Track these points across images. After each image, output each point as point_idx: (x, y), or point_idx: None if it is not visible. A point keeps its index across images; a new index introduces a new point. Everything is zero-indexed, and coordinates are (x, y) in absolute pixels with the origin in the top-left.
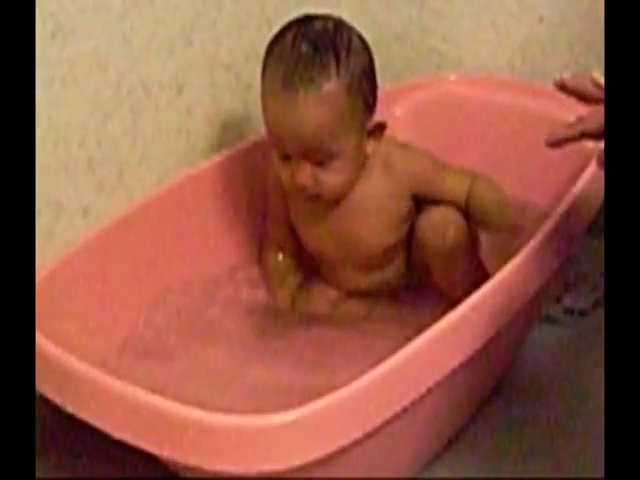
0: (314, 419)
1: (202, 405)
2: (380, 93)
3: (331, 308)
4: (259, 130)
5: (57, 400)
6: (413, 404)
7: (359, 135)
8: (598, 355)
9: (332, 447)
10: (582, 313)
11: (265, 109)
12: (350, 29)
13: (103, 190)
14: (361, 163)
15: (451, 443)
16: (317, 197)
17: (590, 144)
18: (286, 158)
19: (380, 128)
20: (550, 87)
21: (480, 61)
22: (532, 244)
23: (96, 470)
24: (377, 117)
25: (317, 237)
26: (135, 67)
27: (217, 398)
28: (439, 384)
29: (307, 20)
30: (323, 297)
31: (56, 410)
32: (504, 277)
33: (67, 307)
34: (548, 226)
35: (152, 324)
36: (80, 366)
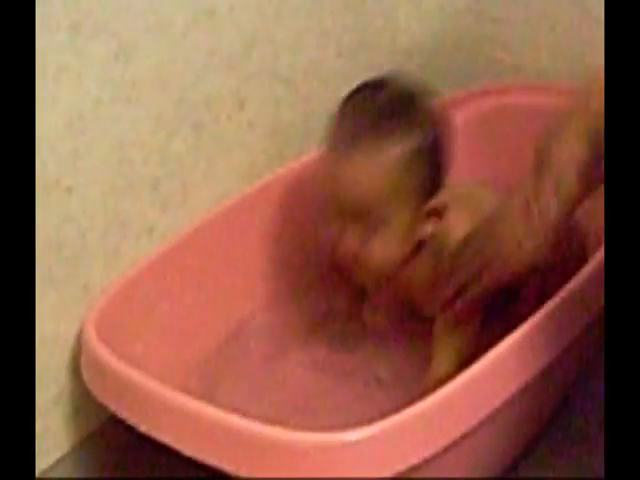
0: (392, 435)
1: (282, 424)
2: (440, 102)
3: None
4: (319, 144)
5: (131, 420)
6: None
7: (414, 210)
8: None
9: (408, 463)
10: None
11: (326, 167)
12: (427, 98)
13: (168, 208)
14: (413, 243)
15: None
16: (360, 272)
17: None
18: (337, 217)
19: (441, 206)
20: None
21: (539, 68)
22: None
23: None
24: None
25: None
26: (196, 84)
27: (297, 417)
28: (517, 394)
29: (382, 82)
30: None
31: (129, 430)
32: (570, 291)
33: (134, 326)
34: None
35: (221, 343)
36: (154, 386)
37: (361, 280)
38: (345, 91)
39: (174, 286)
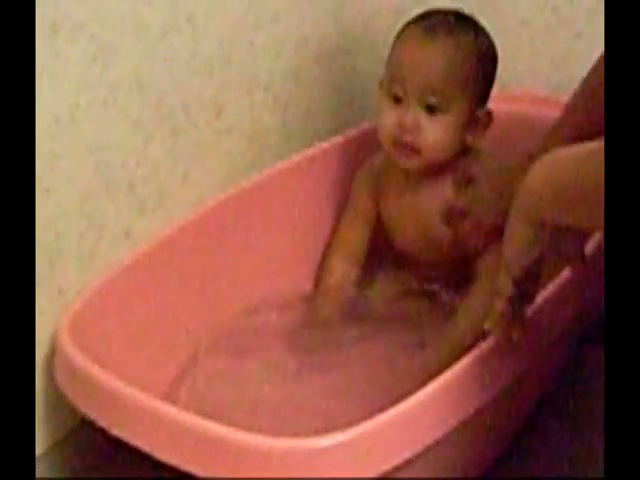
0: (361, 441)
1: (249, 428)
2: None
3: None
4: (297, 150)
5: (102, 423)
6: (462, 424)
7: (471, 107)
8: None
9: (378, 471)
10: None
11: (398, 53)
12: (488, 33)
13: (144, 211)
14: (461, 139)
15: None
16: (412, 152)
17: None
18: (397, 101)
19: (487, 119)
20: None
21: (518, 77)
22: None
23: None
24: None
25: (404, 230)
26: (175, 88)
27: (265, 421)
28: (491, 401)
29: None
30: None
31: (101, 433)
32: (547, 296)
33: (109, 329)
34: (595, 242)
35: (193, 346)
36: (128, 390)
37: (415, 162)
38: (324, 97)
39: (150, 290)
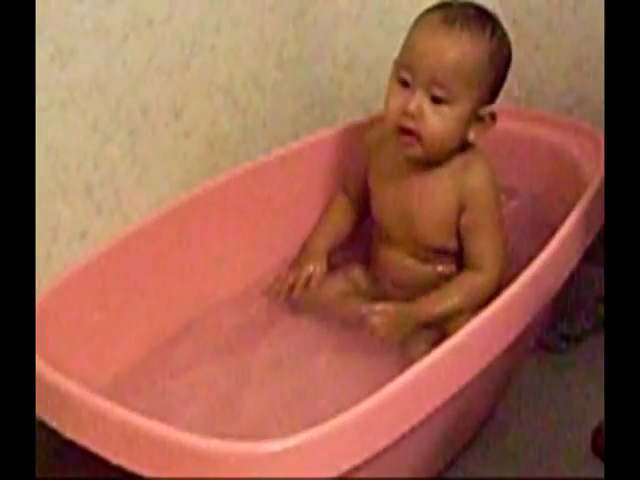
0: (312, 446)
1: (206, 431)
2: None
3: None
4: (255, 156)
5: (54, 425)
6: (409, 431)
7: (475, 105)
8: (593, 381)
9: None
10: (577, 339)
11: (413, 38)
12: (506, 31)
13: (101, 213)
14: (462, 136)
15: (447, 468)
16: (413, 138)
17: (587, 168)
18: (404, 85)
19: (490, 119)
20: (546, 113)
21: None
22: (528, 273)
23: None
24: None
25: (385, 204)
26: (133, 91)
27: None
28: (436, 410)
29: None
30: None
31: (53, 434)
32: (501, 305)
33: (64, 330)
34: (545, 254)
35: (149, 348)
36: (77, 391)
37: (416, 150)
38: (283, 103)
39: (105, 291)
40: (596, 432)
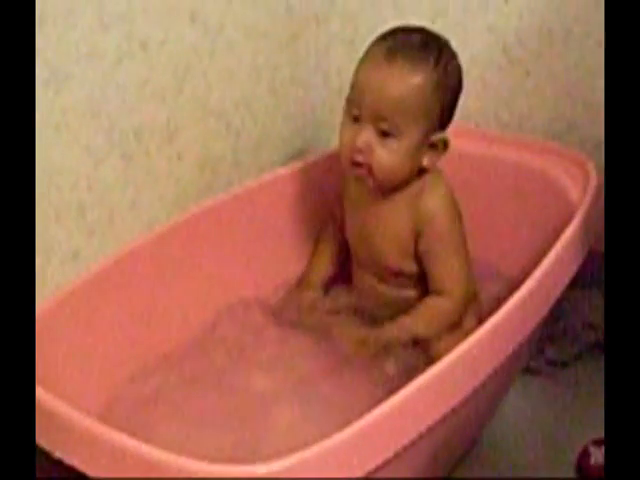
0: (299, 470)
1: (193, 453)
2: None
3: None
4: (247, 178)
5: (45, 446)
6: (394, 456)
7: (424, 134)
8: (579, 406)
9: None
10: (564, 364)
11: (358, 74)
12: (454, 53)
13: (94, 235)
14: (414, 165)
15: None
16: (365, 171)
17: (575, 195)
18: (355, 120)
19: (443, 145)
20: (535, 140)
21: (467, 114)
22: (515, 298)
23: None
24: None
25: (352, 230)
26: (127, 114)
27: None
28: (422, 435)
29: (414, 28)
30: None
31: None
32: (488, 330)
33: (55, 351)
34: (533, 280)
35: (143, 370)
36: (68, 412)
37: (369, 181)
38: (276, 127)
39: (97, 313)
40: (581, 455)
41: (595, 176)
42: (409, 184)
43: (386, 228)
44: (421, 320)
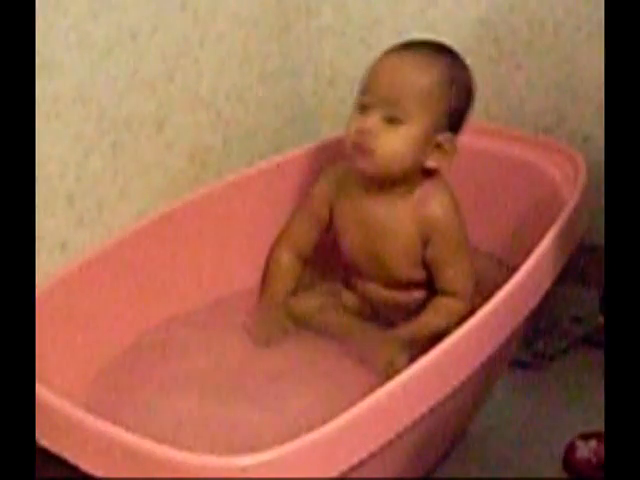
0: (284, 462)
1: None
2: None
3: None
4: (238, 168)
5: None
6: (385, 446)
7: (431, 126)
8: (567, 398)
9: None
10: (552, 358)
11: (372, 65)
12: (468, 67)
13: (82, 224)
14: (416, 158)
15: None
16: (367, 153)
17: (565, 188)
18: (363, 110)
19: (451, 147)
20: (526, 133)
21: None
22: (503, 292)
23: None
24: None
25: (352, 245)
26: (117, 103)
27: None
28: (411, 426)
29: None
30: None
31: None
32: (476, 323)
33: (44, 341)
34: (521, 273)
35: (128, 359)
36: (57, 402)
37: (370, 166)
38: (266, 117)
39: (85, 301)
40: (568, 449)
41: (585, 169)
42: (413, 189)
43: (392, 238)
44: (436, 320)
